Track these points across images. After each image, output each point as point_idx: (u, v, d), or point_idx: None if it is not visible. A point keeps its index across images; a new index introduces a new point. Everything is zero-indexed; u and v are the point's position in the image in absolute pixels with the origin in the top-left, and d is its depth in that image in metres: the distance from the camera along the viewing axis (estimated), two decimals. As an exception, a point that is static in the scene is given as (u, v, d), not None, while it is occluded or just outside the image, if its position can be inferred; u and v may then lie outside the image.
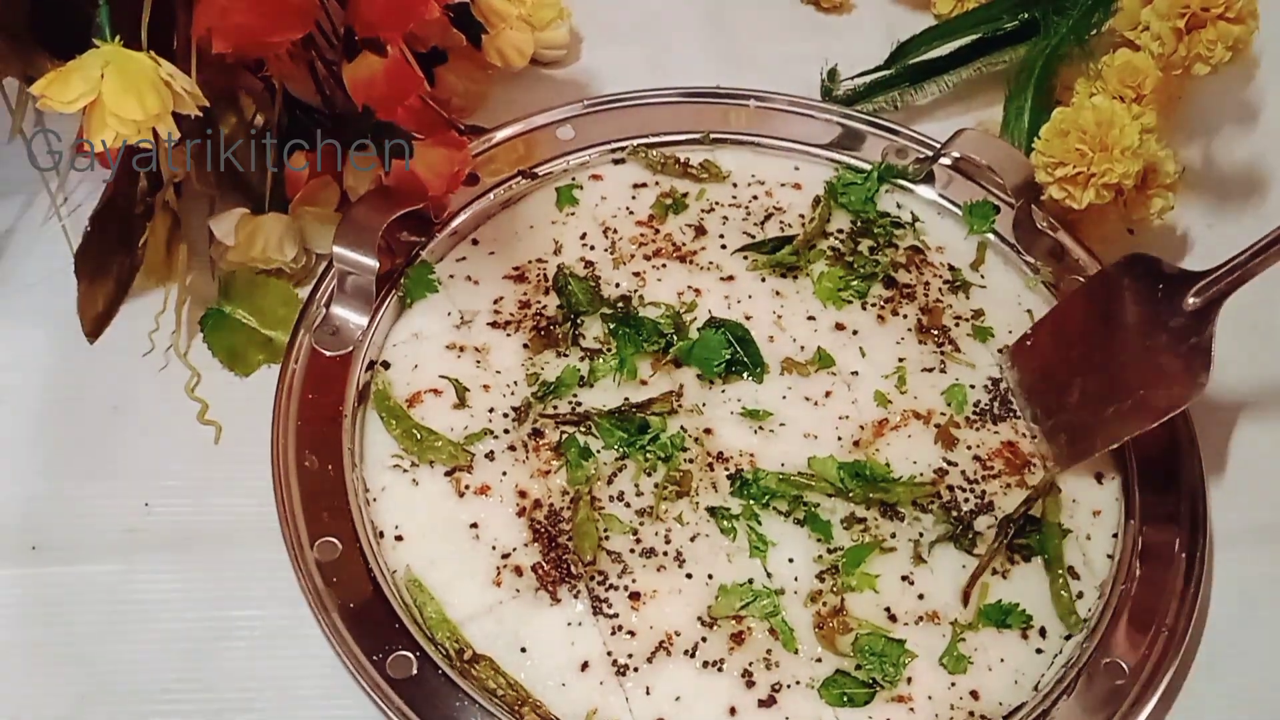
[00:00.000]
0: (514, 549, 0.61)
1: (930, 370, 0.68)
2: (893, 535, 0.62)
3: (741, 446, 0.64)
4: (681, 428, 0.65)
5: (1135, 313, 0.64)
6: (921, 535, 0.62)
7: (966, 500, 0.63)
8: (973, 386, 0.68)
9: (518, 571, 0.60)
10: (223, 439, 0.67)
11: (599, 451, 0.64)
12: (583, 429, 0.64)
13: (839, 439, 0.65)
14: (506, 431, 0.65)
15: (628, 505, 0.62)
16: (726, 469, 0.64)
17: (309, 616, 0.58)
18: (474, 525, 0.61)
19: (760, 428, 0.65)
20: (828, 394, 0.67)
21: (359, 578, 0.59)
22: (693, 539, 0.61)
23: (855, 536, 0.61)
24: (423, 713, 0.55)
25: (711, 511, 0.62)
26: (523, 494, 0.62)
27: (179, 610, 0.62)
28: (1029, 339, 0.68)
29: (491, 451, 0.64)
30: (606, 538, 0.61)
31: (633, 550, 0.61)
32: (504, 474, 0.63)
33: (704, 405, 0.66)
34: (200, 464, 0.66)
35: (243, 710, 0.59)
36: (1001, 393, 0.67)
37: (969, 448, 0.65)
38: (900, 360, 0.68)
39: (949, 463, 0.65)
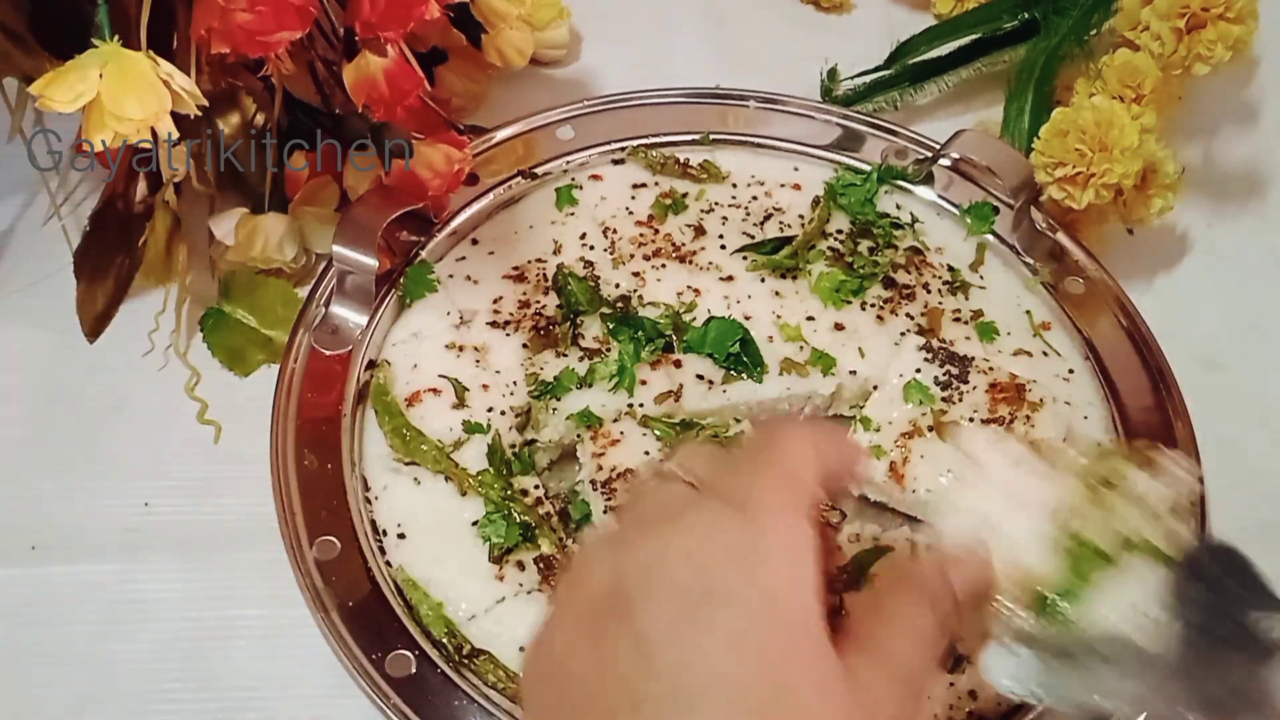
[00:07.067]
0: (515, 544, 0.61)
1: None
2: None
3: None
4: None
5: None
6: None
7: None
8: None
9: (520, 566, 0.60)
10: (222, 438, 0.68)
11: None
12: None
13: None
14: (510, 430, 0.65)
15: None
16: None
17: (308, 616, 0.57)
18: (476, 522, 0.61)
19: None
20: None
21: (358, 576, 0.58)
22: None
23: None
24: (422, 712, 0.54)
25: None
26: (524, 493, 0.62)
27: (179, 610, 0.62)
28: None
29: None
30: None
31: None
32: (507, 471, 0.63)
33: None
34: (200, 464, 0.66)
35: (243, 710, 0.59)
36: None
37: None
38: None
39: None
